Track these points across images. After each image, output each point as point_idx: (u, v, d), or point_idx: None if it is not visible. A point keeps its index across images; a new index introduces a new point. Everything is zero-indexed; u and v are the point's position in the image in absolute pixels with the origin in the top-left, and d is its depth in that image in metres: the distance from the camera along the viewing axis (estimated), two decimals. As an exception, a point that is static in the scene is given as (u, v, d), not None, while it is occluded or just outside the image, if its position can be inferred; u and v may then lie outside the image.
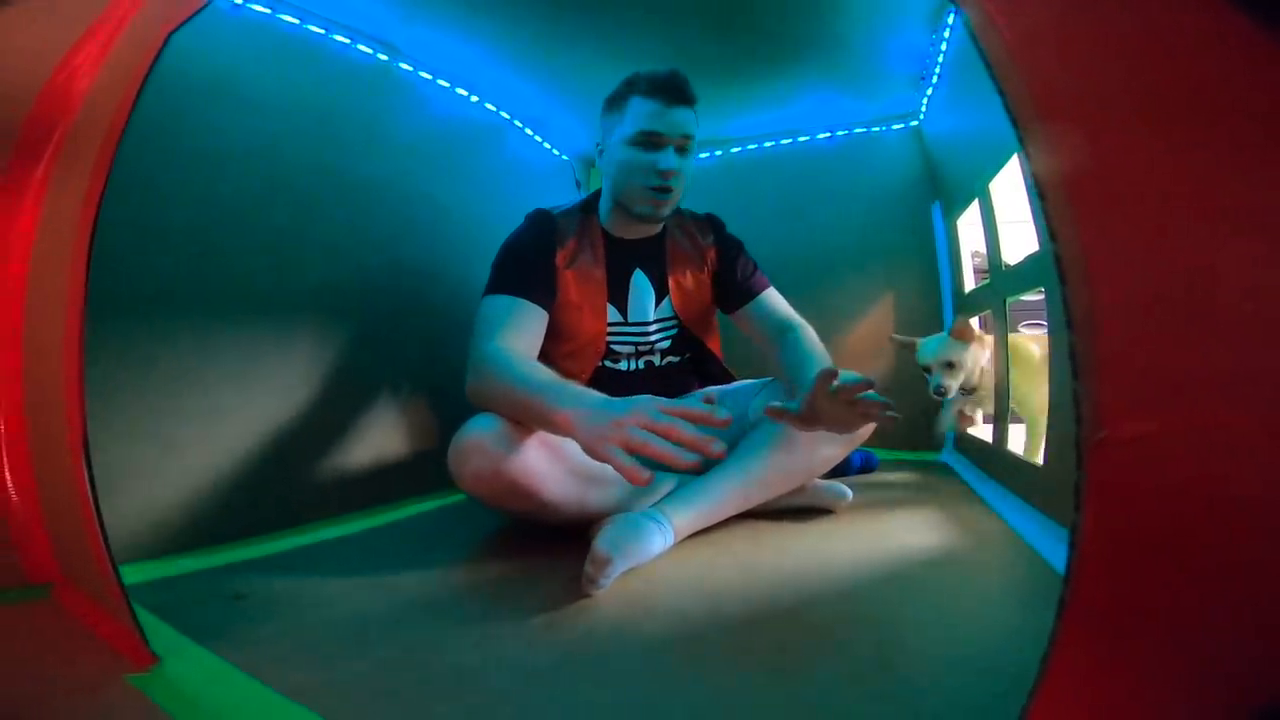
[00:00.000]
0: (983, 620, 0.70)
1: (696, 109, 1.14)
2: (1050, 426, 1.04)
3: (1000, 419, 1.36)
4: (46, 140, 0.72)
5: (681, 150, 1.15)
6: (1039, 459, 1.09)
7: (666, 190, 1.15)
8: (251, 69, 1.12)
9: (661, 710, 0.53)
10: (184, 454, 0.99)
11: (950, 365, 1.45)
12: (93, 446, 0.60)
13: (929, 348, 1.49)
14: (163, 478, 0.96)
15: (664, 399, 0.76)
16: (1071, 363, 0.37)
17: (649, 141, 1.12)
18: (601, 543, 0.83)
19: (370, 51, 1.41)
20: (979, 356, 1.46)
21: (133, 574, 0.87)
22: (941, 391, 1.45)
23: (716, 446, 0.70)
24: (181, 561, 0.94)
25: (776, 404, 0.89)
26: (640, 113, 1.12)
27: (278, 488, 1.12)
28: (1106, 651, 0.35)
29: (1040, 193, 0.38)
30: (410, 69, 1.52)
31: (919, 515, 1.11)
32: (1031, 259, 1.14)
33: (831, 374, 0.84)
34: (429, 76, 1.58)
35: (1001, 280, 1.32)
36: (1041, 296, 1.26)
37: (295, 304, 1.18)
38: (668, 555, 0.94)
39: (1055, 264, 0.36)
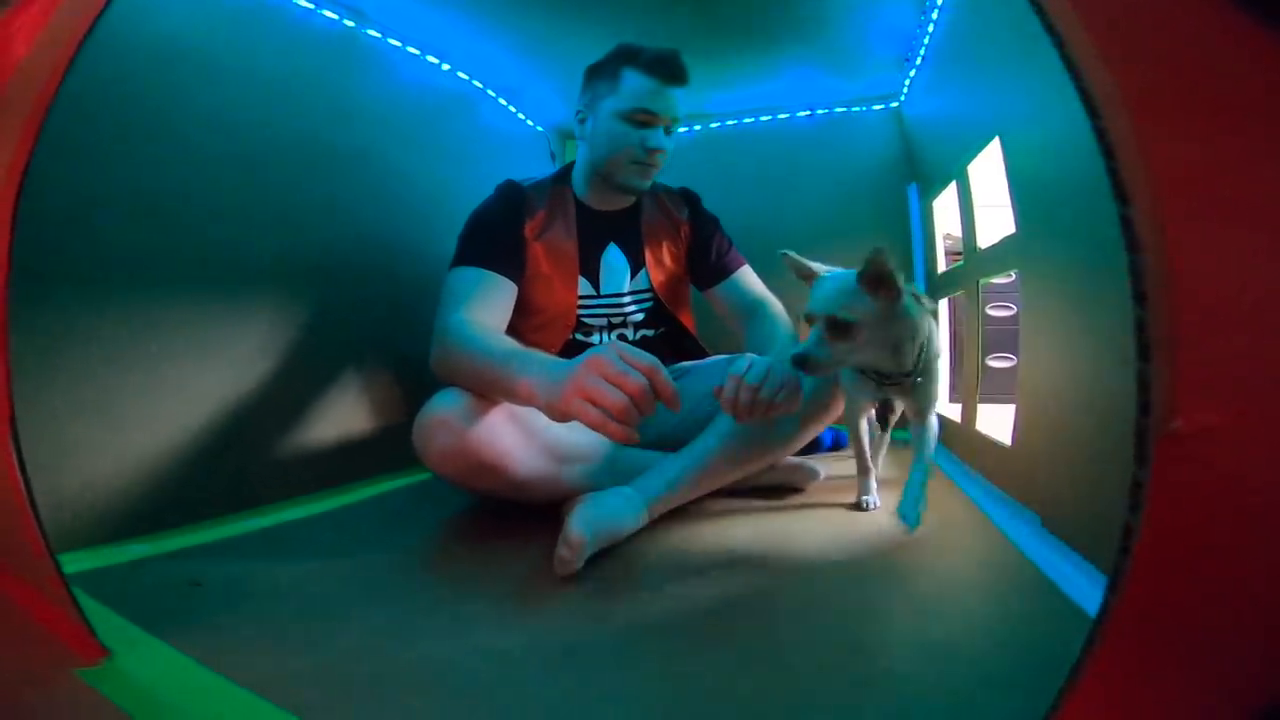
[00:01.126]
0: (954, 605, 0.71)
1: (687, 88, 1.14)
2: (1019, 409, 1.05)
3: (968, 397, 1.38)
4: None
5: (669, 129, 1.15)
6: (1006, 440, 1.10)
7: (652, 166, 1.15)
8: (206, 32, 1.05)
9: (635, 698, 0.52)
10: (132, 433, 0.94)
11: (840, 327, 0.84)
12: (33, 426, 0.56)
13: (819, 289, 0.88)
14: (109, 458, 0.91)
15: (622, 344, 0.77)
16: (1138, 341, 0.33)
17: (641, 119, 1.12)
18: (574, 523, 0.82)
19: (335, 17, 1.34)
20: (920, 330, 0.91)
21: (80, 561, 0.83)
22: (810, 364, 0.84)
23: (633, 432, 0.72)
24: (132, 547, 0.89)
25: (718, 386, 0.90)
26: (636, 89, 1.11)
27: (234, 467, 1.08)
28: (1150, 655, 0.34)
29: (1109, 152, 0.35)
30: (378, 35, 1.45)
31: (889, 495, 1.13)
32: (1007, 241, 1.15)
33: (720, 389, 0.91)
34: (398, 44, 1.51)
35: (976, 262, 1.32)
36: (1011, 279, 1.27)
37: (252, 276, 1.12)
38: (641, 534, 0.93)
39: (1125, 229, 0.34)
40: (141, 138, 0.94)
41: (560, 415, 0.76)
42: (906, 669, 0.55)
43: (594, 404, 0.71)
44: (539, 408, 0.80)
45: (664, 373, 0.73)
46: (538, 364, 0.83)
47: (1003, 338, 2.44)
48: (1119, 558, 0.33)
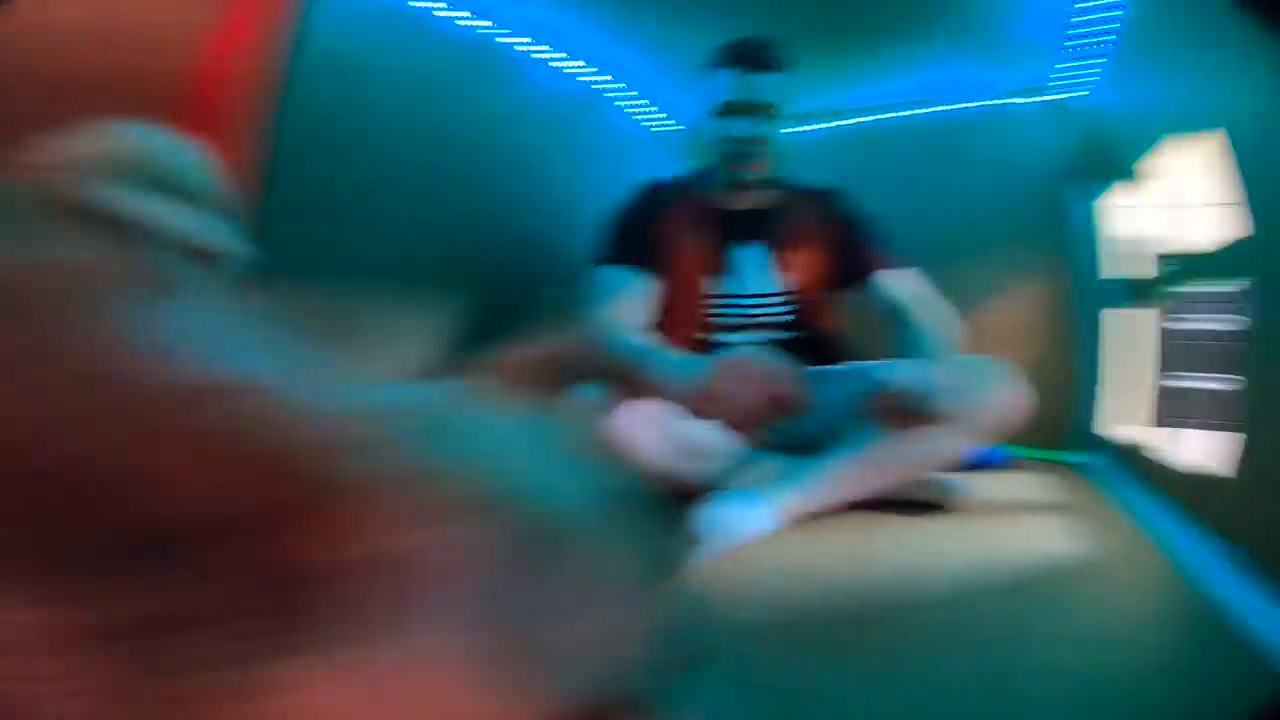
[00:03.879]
0: (1111, 643, 0.62)
1: (788, 73, 1.13)
2: (1247, 434, 0.90)
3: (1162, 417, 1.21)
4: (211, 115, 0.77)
5: (764, 118, 1.13)
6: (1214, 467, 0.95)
7: (746, 156, 1.15)
8: (372, 48, 1.15)
9: (753, 703, 0.51)
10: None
11: None
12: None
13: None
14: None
15: (758, 349, 0.77)
16: None
17: (726, 110, 1.13)
18: (698, 520, 0.82)
19: (471, 22, 1.37)
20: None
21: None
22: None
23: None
24: None
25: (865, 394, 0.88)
26: (721, 82, 1.13)
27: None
28: None
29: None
30: (511, 38, 1.48)
31: (1047, 521, 1.02)
32: (1241, 242, 1.00)
33: (873, 399, 0.89)
34: (530, 46, 1.53)
35: (1189, 267, 1.16)
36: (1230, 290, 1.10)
37: (421, 271, 1.22)
38: (770, 539, 0.91)
39: None
40: (329, 149, 1.05)
41: (691, 410, 0.77)
42: (1055, 707, 0.50)
43: (724, 404, 0.72)
44: (671, 400, 0.82)
45: (797, 381, 0.72)
46: (672, 361, 0.85)
47: (1212, 353, 2.10)
48: None
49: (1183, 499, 1.06)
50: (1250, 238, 0.92)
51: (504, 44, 1.49)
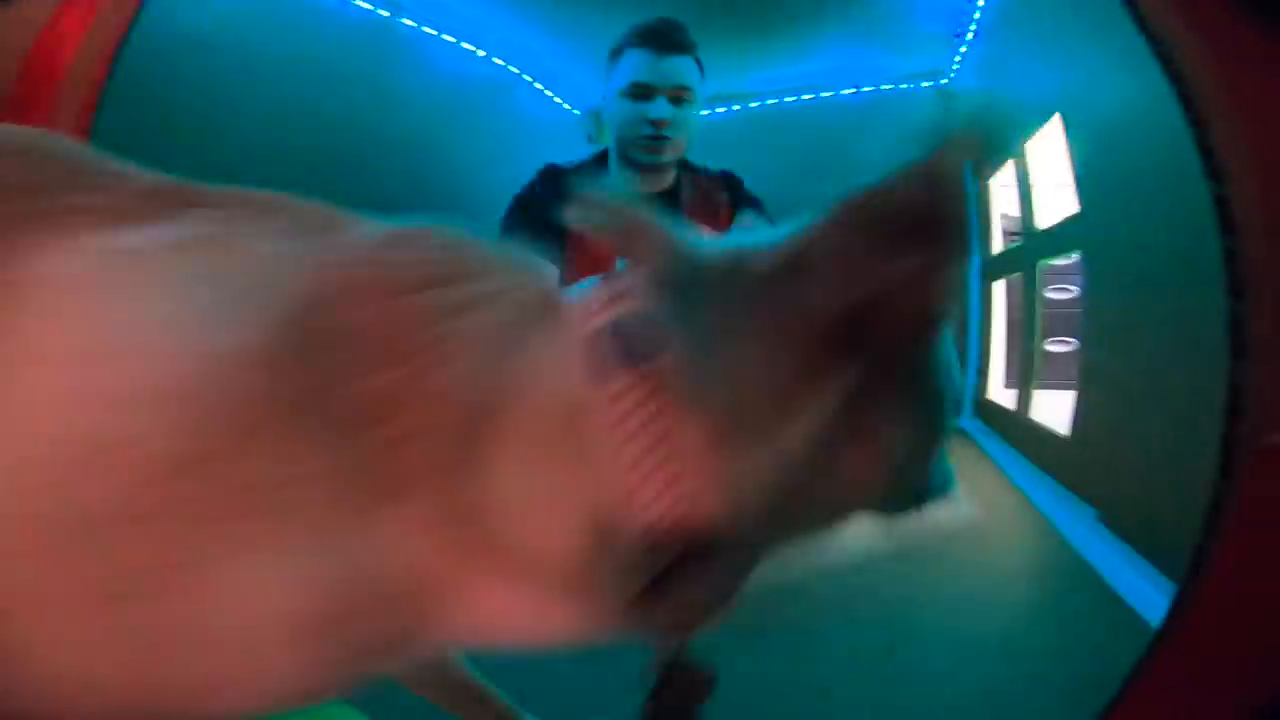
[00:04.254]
0: (1000, 602, 0.68)
1: (697, 56, 1.12)
2: (1080, 398, 1.00)
3: (1024, 383, 1.32)
4: (33, 110, 0.69)
5: (677, 100, 1.12)
6: (1064, 429, 1.05)
7: (662, 139, 1.13)
8: (244, 27, 1.07)
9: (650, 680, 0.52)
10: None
11: None
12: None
13: None
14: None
15: None
16: (1232, 339, 0.29)
17: (640, 92, 1.10)
18: None
19: (370, 8, 1.35)
20: None
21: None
22: None
23: None
24: None
25: None
26: (633, 63, 1.09)
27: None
28: (1206, 669, 0.32)
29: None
30: (413, 25, 1.46)
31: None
32: (1069, 222, 1.09)
33: None
34: (433, 32, 1.52)
35: (1035, 243, 1.26)
36: (1073, 261, 1.21)
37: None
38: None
39: (1220, 210, 0.30)
40: (182, 132, 0.97)
41: None
42: (950, 670, 0.53)
43: None
44: None
45: None
46: None
47: (1060, 321, 2.32)
48: (1189, 574, 0.30)
49: (1038, 457, 1.17)
50: (1079, 215, 1.01)
51: (405, 28, 1.43)
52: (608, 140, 1.33)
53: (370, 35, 1.35)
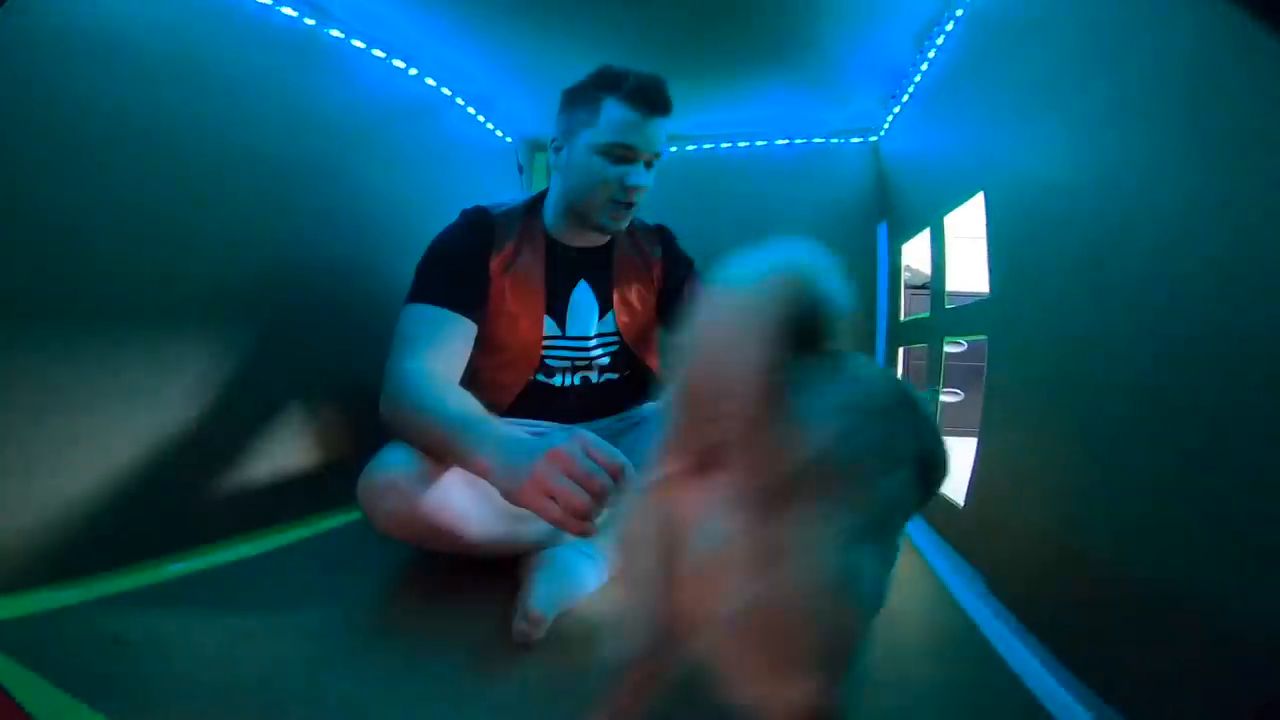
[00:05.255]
0: (892, 679, 0.70)
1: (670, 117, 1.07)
2: (976, 472, 1.05)
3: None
4: None
5: (650, 165, 1.08)
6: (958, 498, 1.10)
7: (630, 205, 1.08)
8: (142, 27, 0.95)
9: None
10: (47, 477, 0.85)
11: None
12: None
13: None
14: (26, 510, 0.83)
15: (588, 434, 0.72)
16: None
17: (621, 154, 1.04)
18: (535, 601, 0.78)
19: (295, 14, 1.24)
20: None
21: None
22: None
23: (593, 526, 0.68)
24: (53, 594, 0.81)
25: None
26: (616, 121, 1.01)
27: (164, 509, 1.00)
28: None
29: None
30: (341, 35, 1.36)
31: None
32: (977, 304, 1.13)
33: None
34: (361, 45, 1.42)
35: (944, 320, 1.32)
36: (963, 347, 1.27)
37: (185, 302, 1.03)
38: (604, 590, 0.91)
39: None
40: (54, 149, 0.83)
41: (517, 504, 0.72)
42: None
43: (554, 499, 0.67)
44: (497, 490, 0.76)
45: (629, 470, 0.69)
46: (494, 440, 0.78)
47: (952, 373, 2.46)
48: None
49: (937, 525, 1.22)
50: (990, 298, 1.06)
51: (331, 39, 1.32)
52: (554, 184, 1.25)
53: (290, 44, 1.23)
